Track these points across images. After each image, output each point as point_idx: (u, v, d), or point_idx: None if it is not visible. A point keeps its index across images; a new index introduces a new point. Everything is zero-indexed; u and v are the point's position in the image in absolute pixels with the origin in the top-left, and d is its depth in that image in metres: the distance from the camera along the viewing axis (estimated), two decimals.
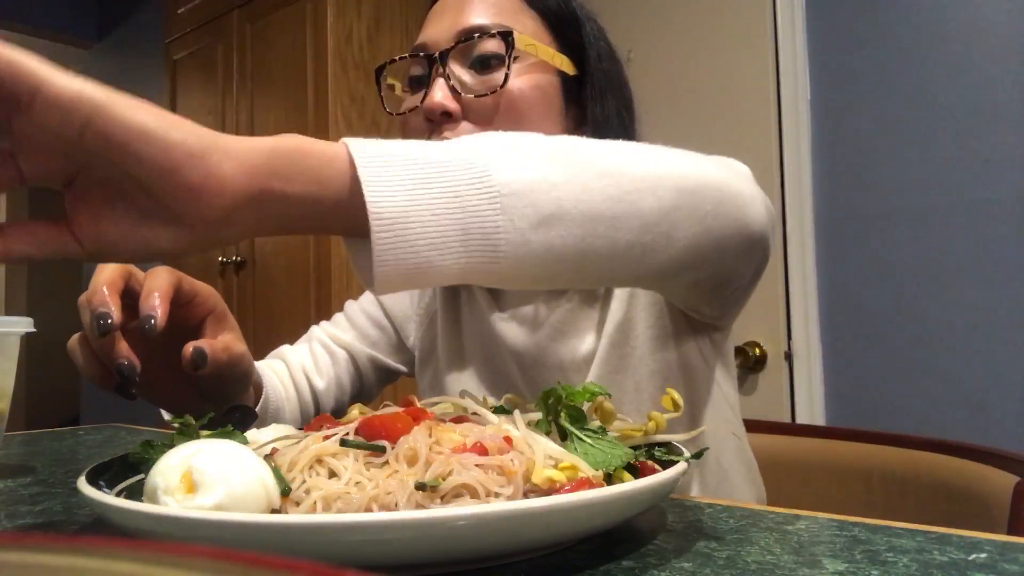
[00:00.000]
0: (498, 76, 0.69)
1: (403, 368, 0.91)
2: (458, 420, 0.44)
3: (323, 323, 0.92)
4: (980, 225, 1.77)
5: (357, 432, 0.41)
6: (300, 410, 0.83)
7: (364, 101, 2.50)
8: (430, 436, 0.39)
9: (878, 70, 1.92)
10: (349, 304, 0.92)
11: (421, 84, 0.73)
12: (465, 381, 0.79)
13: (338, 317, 0.92)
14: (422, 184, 0.38)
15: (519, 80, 0.69)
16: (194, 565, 0.13)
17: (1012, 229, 1.73)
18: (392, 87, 0.78)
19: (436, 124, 0.70)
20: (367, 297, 0.91)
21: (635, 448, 0.48)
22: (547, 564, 0.36)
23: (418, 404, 0.47)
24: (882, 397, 1.89)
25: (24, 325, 0.64)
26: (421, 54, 0.72)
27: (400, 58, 0.74)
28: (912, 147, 1.86)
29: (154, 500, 0.36)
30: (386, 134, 2.59)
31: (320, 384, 0.85)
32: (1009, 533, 0.66)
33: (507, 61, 0.68)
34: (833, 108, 1.98)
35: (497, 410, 0.48)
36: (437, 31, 0.71)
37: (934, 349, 1.81)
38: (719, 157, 0.57)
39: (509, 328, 0.76)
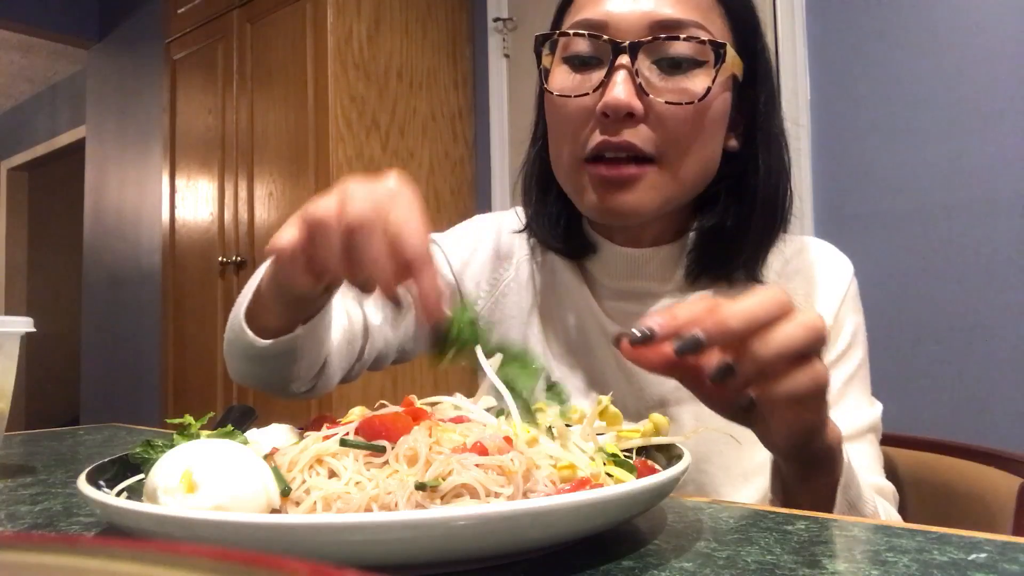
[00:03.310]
0: (694, 84, 0.63)
1: None
2: (458, 420, 0.44)
3: None
4: (980, 225, 1.77)
5: (357, 432, 0.41)
6: (347, 340, 0.76)
7: (364, 101, 2.50)
8: (430, 436, 0.39)
9: (878, 70, 1.92)
10: None
11: (588, 66, 0.65)
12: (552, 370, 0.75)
13: None
14: None
15: (715, 96, 0.64)
16: (194, 565, 0.13)
17: (1012, 229, 1.73)
18: (541, 53, 0.70)
19: (612, 122, 0.62)
20: (435, 250, 0.85)
21: (631, 450, 0.48)
22: (547, 564, 0.36)
23: (418, 404, 0.47)
24: (883, 397, 1.89)
25: (24, 325, 0.64)
26: (604, 37, 0.63)
27: (575, 34, 0.65)
28: (912, 147, 1.86)
29: (154, 500, 0.36)
30: (386, 135, 2.59)
31: (375, 320, 0.80)
32: (1014, 535, 0.66)
33: (715, 76, 0.63)
34: (833, 108, 1.98)
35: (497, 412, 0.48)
36: (623, 14, 0.63)
37: (934, 349, 1.81)
38: None
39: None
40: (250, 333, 0.64)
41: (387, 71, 2.57)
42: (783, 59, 2.04)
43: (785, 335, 0.43)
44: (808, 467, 0.53)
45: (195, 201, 2.99)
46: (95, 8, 4.21)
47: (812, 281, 0.73)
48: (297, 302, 0.62)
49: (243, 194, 2.74)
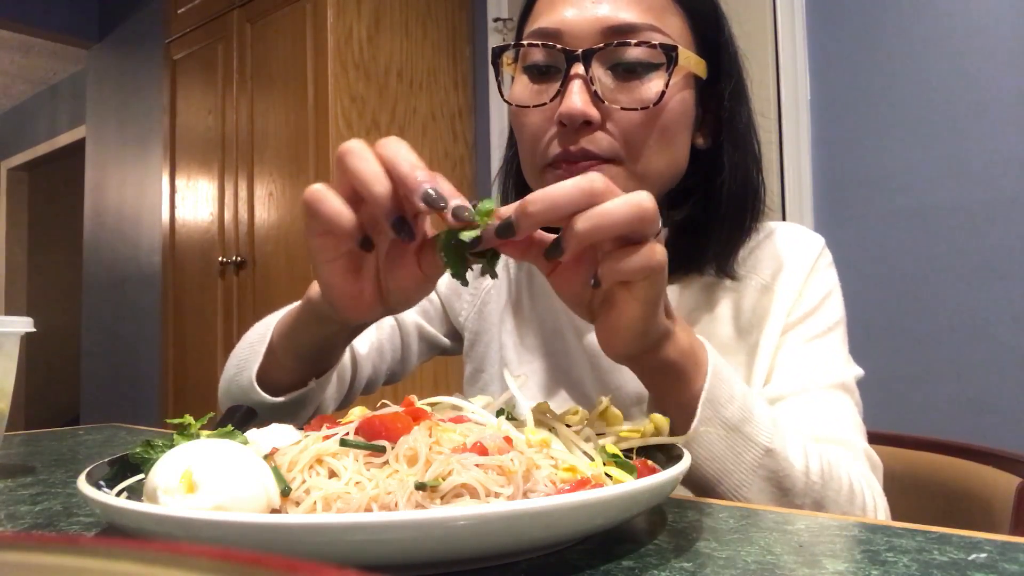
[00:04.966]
0: (648, 89, 0.62)
1: (447, 341, 0.86)
2: (458, 420, 0.44)
3: None
4: (980, 225, 1.77)
5: (357, 432, 0.41)
6: (337, 373, 0.77)
7: (364, 101, 2.50)
8: (430, 436, 0.39)
9: (878, 70, 1.92)
10: None
11: (546, 76, 0.65)
12: (523, 376, 0.76)
13: None
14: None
15: (671, 98, 0.63)
16: (194, 565, 0.13)
17: (1012, 229, 1.73)
18: (498, 64, 0.70)
19: (570, 131, 0.63)
20: None
21: (630, 451, 0.48)
22: (547, 564, 0.36)
23: (418, 404, 0.47)
24: (882, 397, 1.90)
25: (24, 325, 0.64)
26: (557, 46, 0.63)
27: (530, 44, 0.65)
28: (912, 147, 1.86)
29: (154, 500, 0.36)
30: (386, 135, 2.58)
31: (362, 349, 0.81)
32: (1011, 534, 0.66)
33: (667, 79, 0.62)
34: (833, 108, 1.99)
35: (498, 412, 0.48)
36: (576, 21, 0.63)
37: (934, 349, 1.81)
38: None
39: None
40: (261, 393, 0.65)
41: (387, 71, 2.57)
42: (783, 59, 2.04)
43: (604, 208, 0.43)
44: (657, 376, 0.53)
45: (195, 201, 2.99)
46: (95, 8, 4.21)
47: (780, 260, 0.72)
48: (318, 353, 0.64)
49: (243, 194, 2.74)
